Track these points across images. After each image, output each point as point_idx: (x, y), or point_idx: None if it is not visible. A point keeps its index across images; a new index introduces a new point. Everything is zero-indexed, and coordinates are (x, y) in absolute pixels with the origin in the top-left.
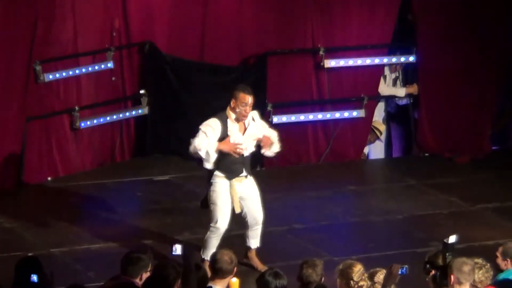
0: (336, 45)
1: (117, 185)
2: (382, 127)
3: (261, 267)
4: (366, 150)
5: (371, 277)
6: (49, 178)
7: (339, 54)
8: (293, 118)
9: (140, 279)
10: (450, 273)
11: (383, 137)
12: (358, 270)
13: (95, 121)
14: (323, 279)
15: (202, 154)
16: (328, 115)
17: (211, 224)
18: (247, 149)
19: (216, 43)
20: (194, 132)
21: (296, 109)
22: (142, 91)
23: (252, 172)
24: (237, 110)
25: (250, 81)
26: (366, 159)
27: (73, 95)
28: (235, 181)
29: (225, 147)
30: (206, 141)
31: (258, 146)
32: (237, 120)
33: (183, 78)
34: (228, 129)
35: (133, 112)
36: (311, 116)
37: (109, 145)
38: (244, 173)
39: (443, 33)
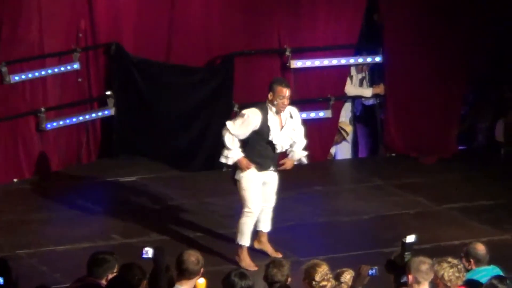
0: (303, 45)
1: (83, 187)
2: (349, 128)
3: (274, 253)
4: (332, 150)
5: (338, 277)
6: (15, 180)
7: (305, 54)
8: None
9: (106, 280)
10: (408, 273)
11: (349, 138)
12: (322, 270)
13: (61, 122)
14: (289, 279)
15: (227, 142)
16: None
17: (245, 210)
18: (283, 147)
19: (183, 44)
20: (160, 132)
21: None
22: (108, 92)
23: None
24: (275, 102)
25: (217, 81)
26: (332, 160)
27: (39, 96)
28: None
29: (242, 163)
30: (232, 139)
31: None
32: (277, 112)
33: (149, 79)
34: (269, 121)
35: (100, 113)
36: None
37: (75, 146)
38: (272, 168)
39: (410, 34)
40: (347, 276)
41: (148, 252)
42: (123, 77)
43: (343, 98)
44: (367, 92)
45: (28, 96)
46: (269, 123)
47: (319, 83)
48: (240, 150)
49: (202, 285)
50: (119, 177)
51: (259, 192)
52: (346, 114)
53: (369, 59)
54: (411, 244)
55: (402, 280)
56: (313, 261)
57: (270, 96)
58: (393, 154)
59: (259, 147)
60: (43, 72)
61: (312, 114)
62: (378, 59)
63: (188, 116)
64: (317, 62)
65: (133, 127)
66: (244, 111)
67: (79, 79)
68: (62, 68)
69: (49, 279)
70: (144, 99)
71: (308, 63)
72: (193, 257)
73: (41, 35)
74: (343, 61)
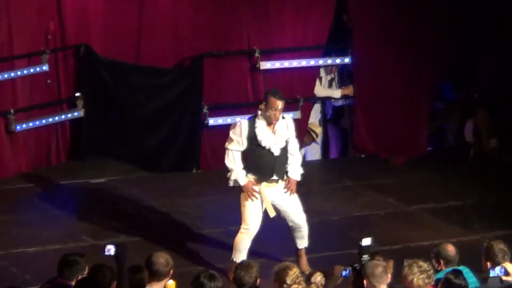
0: (272, 47)
1: (52, 188)
2: (319, 130)
3: (305, 268)
4: (302, 152)
5: (309, 278)
6: None
7: (274, 56)
8: (229, 120)
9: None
10: (364, 277)
11: (319, 139)
12: (293, 273)
13: (30, 124)
14: (258, 281)
15: (228, 163)
16: None
17: (242, 226)
18: (276, 144)
19: (152, 45)
20: (129, 134)
21: (232, 111)
22: (77, 94)
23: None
24: (267, 113)
25: (186, 83)
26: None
27: (8, 98)
28: (265, 186)
29: (246, 188)
30: (233, 157)
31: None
32: (268, 124)
33: (119, 80)
34: (257, 127)
35: (69, 115)
36: (247, 118)
37: (45, 148)
38: (275, 177)
39: (378, 34)
40: (318, 277)
41: (110, 250)
42: (92, 78)
43: (312, 99)
44: (336, 93)
45: None
46: (256, 130)
47: (288, 84)
48: (243, 172)
49: (172, 286)
50: (88, 178)
51: (259, 211)
52: (315, 115)
53: (338, 60)
54: (367, 247)
55: (356, 284)
56: (284, 263)
57: (262, 107)
58: (363, 155)
59: (254, 157)
60: (12, 74)
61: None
62: (347, 60)
63: (157, 117)
64: (286, 63)
65: (102, 128)
66: (232, 127)
67: (48, 81)
68: (31, 70)
69: (19, 281)
70: (113, 101)
71: (277, 64)
72: (162, 258)
73: (10, 36)
74: (312, 62)
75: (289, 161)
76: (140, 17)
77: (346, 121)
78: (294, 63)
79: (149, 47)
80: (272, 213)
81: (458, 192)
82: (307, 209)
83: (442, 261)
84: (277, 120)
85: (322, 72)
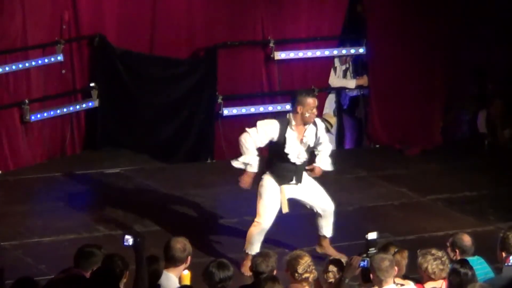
0: (286, 37)
1: (67, 178)
2: (333, 120)
3: (338, 255)
4: None
5: (327, 266)
6: None
7: (289, 46)
8: (243, 110)
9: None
10: (371, 271)
11: (333, 129)
12: (304, 262)
13: (45, 114)
14: (275, 271)
15: (244, 149)
16: (279, 107)
17: (256, 219)
18: (299, 157)
19: (166, 35)
20: (144, 124)
21: (246, 101)
22: (92, 84)
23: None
24: (306, 115)
25: (200, 73)
26: None
27: (23, 88)
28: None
29: (245, 175)
30: (252, 142)
31: (312, 153)
32: (301, 125)
33: (133, 71)
34: (287, 133)
35: (83, 105)
36: (261, 108)
37: (59, 138)
38: (294, 182)
39: (393, 25)
40: (334, 268)
41: (129, 240)
42: (106, 69)
43: (327, 89)
44: (351, 83)
45: (12, 88)
46: (286, 135)
47: (302, 74)
48: (257, 159)
49: (187, 277)
50: (103, 169)
51: (275, 205)
52: (330, 105)
53: (352, 51)
54: (374, 240)
55: (364, 277)
56: (295, 252)
57: (299, 109)
58: (377, 146)
59: (276, 160)
60: (26, 64)
61: None
62: (361, 50)
63: (171, 108)
64: (300, 54)
65: (116, 119)
66: (263, 121)
67: (63, 71)
68: (46, 60)
69: (34, 271)
70: (127, 91)
71: (291, 54)
72: (179, 244)
73: (24, 27)
74: (326, 52)
75: (319, 149)
76: (154, 8)
77: (361, 111)
78: (309, 53)
79: (163, 37)
80: (285, 209)
81: (473, 182)
82: None
83: (457, 251)
84: (314, 119)
85: (337, 62)
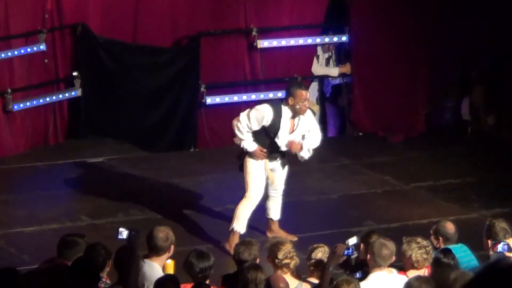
0: (269, 25)
1: (50, 168)
2: (316, 108)
3: (289, 237)
4: None
5: (310, 252)
6: None
7: (272, 34)
8: (226, 99)
9: None
10: (368, 253)
11: (316, 117)
12: (285, 248)
13: (28, 103)
14: (258, 259)
15: (241, 129)
16: (262, 96)
17: (246, 194)
18: (287, 146)
19: (149, 24)
20: (127, 113)
21: (229, 90)
22: (75, 73)
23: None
24: (297, 106)
25: (183, 62)
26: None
27: (5, 77)
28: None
29: (256, 153)
30: (246, 130)
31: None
32: (293, 116)
33: (116, 59)
34: (281, 122)
35: (66, 94)
36: (244, 97)
37: (42, 128)
38: (279, 160)
39: (375, 12)
40: (319, 254)
41: (123, 233)
42: (89, 57)
43: (310, 77)
44: (334, 71)
45: None
46: (281, 124)
47: (285, 62)
48: (252, 139)
49: (170, 266)
50: (86, 158)
51: (262, 179)
52: (313, 93)
53: (335, 39)
54: (354, 245)
55: (356, 276)
56: (276, 239)
57: (290, 101)
58: (361, 133)
59: (263, 141)
60: (9, 53)
61: (279, 94)
62: (344, 38)
63: (155, 96)
64: (283, 42)
65: (100, 107)
66: (257, 106)
67: (46, 60)
68: (29, 49)
69: (17, 261)
70: (110, 80)
71: (274, 42)
72: (162, 233)
73: (7, 16)
74: (309, 40)
75: (307, 137)
76: None
77: (344, 99)
78: (292, 42)
79: (146, 26)
80: (272, 180)
81: (457, 170)
82: (305, 188)
83: (441, 239)
84: (306, 111)
85: (320, 51)
